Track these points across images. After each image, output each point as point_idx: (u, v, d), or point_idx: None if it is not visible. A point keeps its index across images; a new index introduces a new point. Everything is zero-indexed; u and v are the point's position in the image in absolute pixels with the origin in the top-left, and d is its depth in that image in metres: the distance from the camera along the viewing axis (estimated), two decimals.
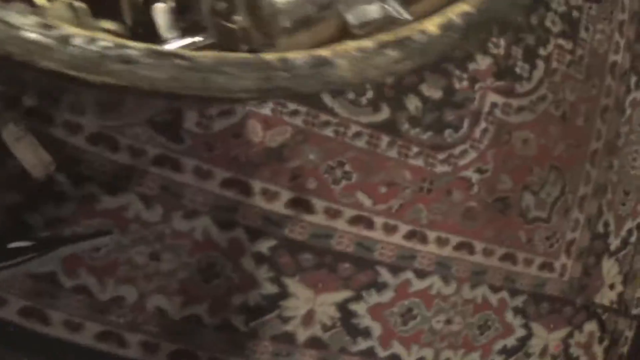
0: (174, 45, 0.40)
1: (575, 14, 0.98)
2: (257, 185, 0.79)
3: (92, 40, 0.29)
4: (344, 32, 0.39)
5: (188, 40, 0.40)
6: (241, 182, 0.79)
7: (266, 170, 0.80)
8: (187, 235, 0.77)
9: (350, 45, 0.36)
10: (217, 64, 0.32)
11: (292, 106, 0.80)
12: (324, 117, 0.82)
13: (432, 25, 0.38)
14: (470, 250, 0.92)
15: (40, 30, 0.29)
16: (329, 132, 0.82)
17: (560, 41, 0.97)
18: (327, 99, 0.82)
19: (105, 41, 0.30)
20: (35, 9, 0.36)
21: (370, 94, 0.84)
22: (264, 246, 0.80)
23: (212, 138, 0.77)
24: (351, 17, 0.38)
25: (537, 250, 0.98)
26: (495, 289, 0.95)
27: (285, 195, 0.81)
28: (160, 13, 0.40)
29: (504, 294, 0.96)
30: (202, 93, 0.32)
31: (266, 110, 0.79)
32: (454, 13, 0.39)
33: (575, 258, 1.02)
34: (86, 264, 0.74)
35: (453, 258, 0.91)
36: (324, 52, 0.36)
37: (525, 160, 0.95)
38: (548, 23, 0.96)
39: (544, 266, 0.99)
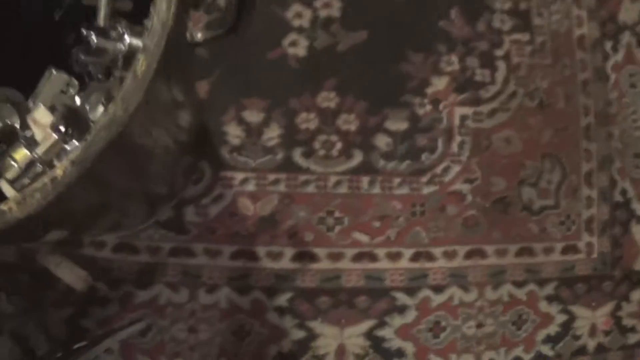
0: None
1: (522, 5, 1.07)
2: (261, 250, 0.95)
3: None
4: None
5: None
6: (246, 251, 0.95)
7: (265, 236, 0.96)
8: (214, 307, 0.94)
9: None
10: None
11: (272, 176, 0.96)
12: (302, 177, 0.97)
13: None
14: (482, 255, 1.02)
15: None
16: (311, 188, 0.97)
17: (515, 36, 1.06)
18: (301, 161, 0.97)
19: None
20: None
21: (339, 145, 0.98)
22: (282, 300, 0.96)
23: (212, 222, 0.95)
24: None
25: (554, 236, 1.06)
26: (519, 284, 1.04)
27: (288, 252, 0.96)
28: None
29: (531, 286, 1.04)
30: None
31: (250, 186, 0.96)
32: None
33: (600, 233, 1.08)
34: (139, 348, 0.93)
35: (466, 267, 1.01)
36: None
37: (513, 157, 1.04)
38: (497, 24, 1.05)
39: (567, 250, 1.06)
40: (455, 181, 1.01)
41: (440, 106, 1.01)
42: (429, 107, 1.01)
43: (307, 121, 0.98)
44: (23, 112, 0.66)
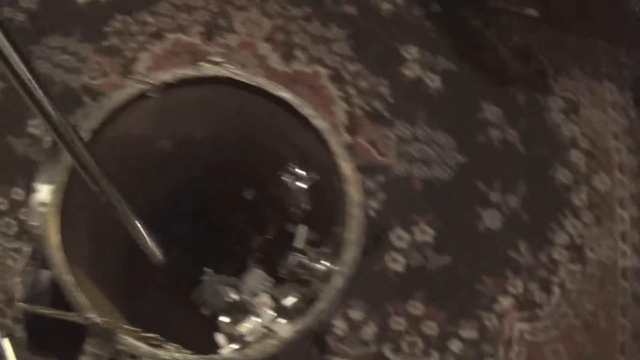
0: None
1: (578, 240, 1.37)
2: None
3: None
4: None
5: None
6: None
7: None
8: None
9: None
10: None
11: None
12: None
13: None
14: None
15: None
16: None
17: (570, 266, 1.36)
18: (390, 355, 1.27)
19: None
20: None
21: (421, 346, 1.28)
22: None
23: None
24: None
25: None
26: None
27: None
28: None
29: None
30: None
31: None
32: None
33: None
34: None
35: None
36: None
37: None
38: (556, 255, 1.36)
39: None
40: None
41: (504, 321, 1.31)
42: (495, 321, 1.31)
43: (398, 323, 1.28)
44: (238, 290, 0.98)
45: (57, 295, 1.03)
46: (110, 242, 1.09)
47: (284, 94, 0.96)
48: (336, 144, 0.94)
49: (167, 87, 0.99)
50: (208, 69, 0.99)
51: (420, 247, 1.33)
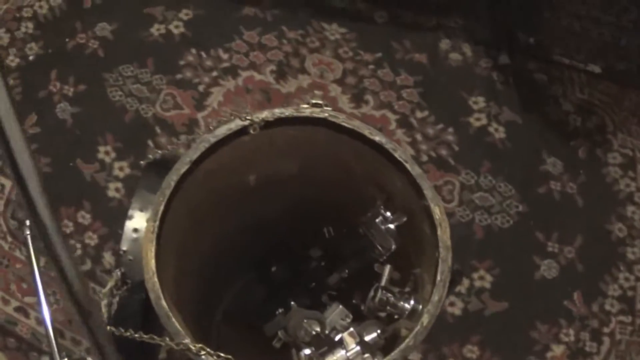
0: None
1: (629, 293, 1.41)
2: None
3: None
4: None
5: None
6: None
7: None
8: None
9: None
10: None
11: None
12: None
13: None
14: None
15: None
16: None
17: (621, 317, 1.40)
18: None
19: None
20: None
21: None
22: None
23: None
24: None
25: None
26: None
27: None
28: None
29: None
30: None
31: None
32: None
33: None
34: None
35: None
36: None
37: None
38: (607, 307, 1.39)
39: None
40: None
41: None
42: None
43: None
44: (322, 324, 1.00)
45: (144, 318, 1.07)
46: (189, 268, 1.13)
47: (380, 138, 1.01)
48: (429, 188, 0.98)
49: (264, 125, 1.04)
50: (306, 109, 1.04)
51: (478, 292, 1.37)
